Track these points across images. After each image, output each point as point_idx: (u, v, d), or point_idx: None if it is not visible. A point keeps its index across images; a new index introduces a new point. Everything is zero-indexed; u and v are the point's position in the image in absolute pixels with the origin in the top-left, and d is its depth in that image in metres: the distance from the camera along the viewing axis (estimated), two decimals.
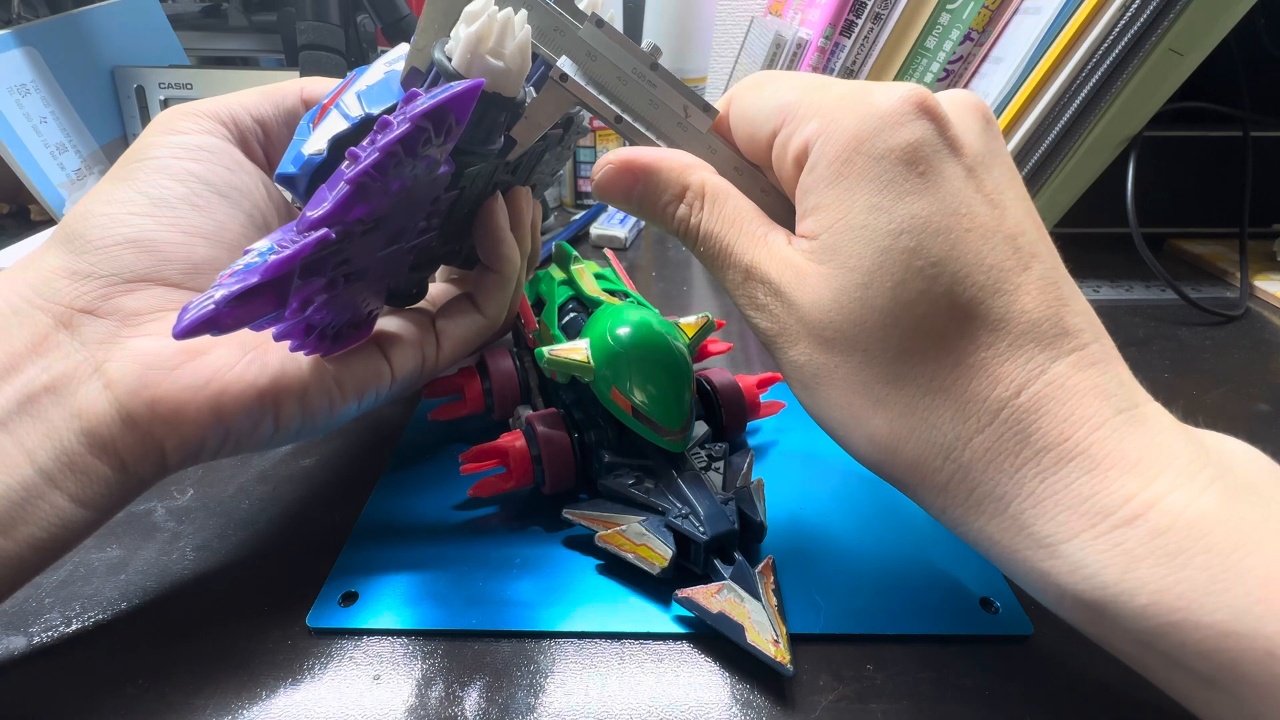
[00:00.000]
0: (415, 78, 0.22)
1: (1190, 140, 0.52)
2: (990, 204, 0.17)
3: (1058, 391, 0.16)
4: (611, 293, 0.31)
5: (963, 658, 0.22)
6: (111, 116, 0.59)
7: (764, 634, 0.20)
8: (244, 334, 0.21)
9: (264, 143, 0.26)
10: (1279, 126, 0.51)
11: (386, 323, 0.25)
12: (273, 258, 0.18)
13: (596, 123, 0.58)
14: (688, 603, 0.22)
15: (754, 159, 0.21)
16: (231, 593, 0.24)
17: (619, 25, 0.24)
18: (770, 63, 0.51)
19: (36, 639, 0.22)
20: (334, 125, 0.22)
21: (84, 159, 0.57)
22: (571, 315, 0.30)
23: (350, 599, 0.23)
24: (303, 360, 0.22)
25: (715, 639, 0.22)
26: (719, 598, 0.21)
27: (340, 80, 0.24)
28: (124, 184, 0.22)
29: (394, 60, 0.24)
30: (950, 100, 0.18)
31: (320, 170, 0.22)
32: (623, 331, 0.25)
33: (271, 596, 0.23)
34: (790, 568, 0.24)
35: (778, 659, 0.20)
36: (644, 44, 0.21)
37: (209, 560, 0.25)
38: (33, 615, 0.23)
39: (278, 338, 0.20)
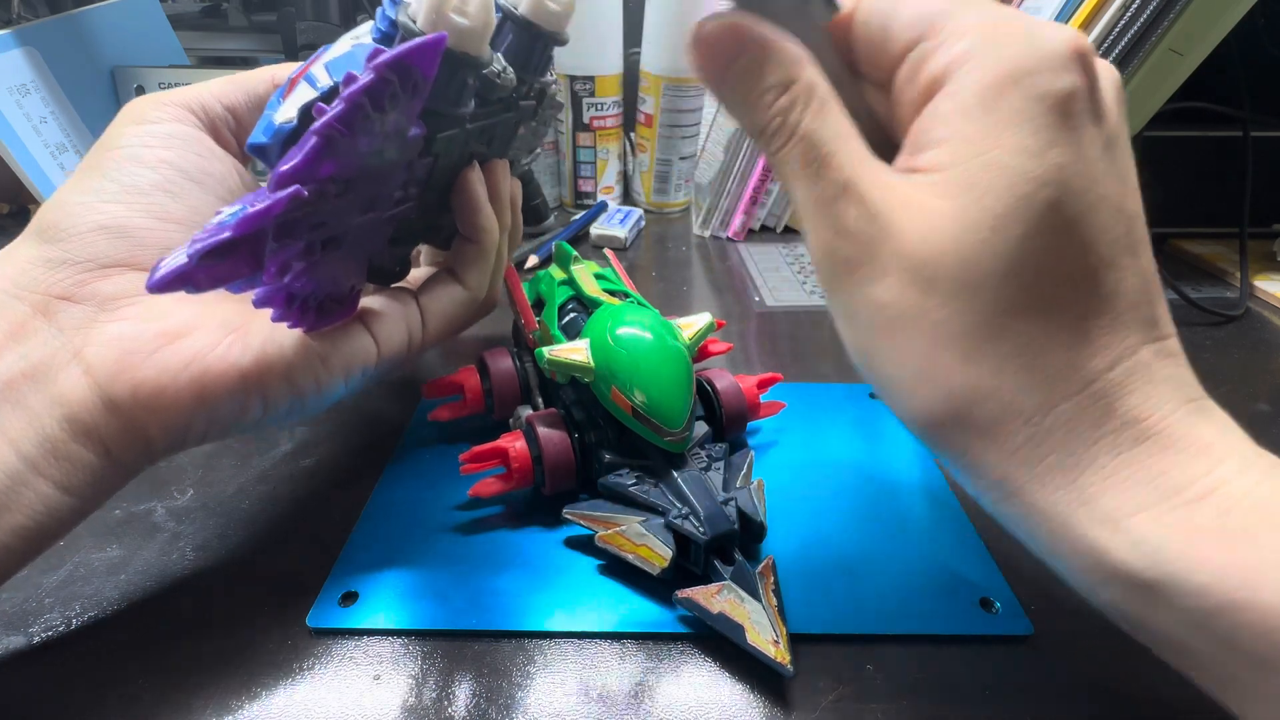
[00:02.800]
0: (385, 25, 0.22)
1: (1190, 140, 0.52)
2: (1120, 180, 0.17)
3: (1144, 372, 0.16)
4: (611, 293, 0.31)
5: (962, 658, 0.22)
6: (111, 116, 0.59)
7: (764, 634, 0.20)
8: (227, 316, 0.22)
9: (235, 130, 0.25)
10: (1278, 127, 0.51)
11: (370, 301, 0.25)
12: (243, 215, 0.18)
13: (596, 122, 0.58)
14: (688, 603, 0.22)
15: (870, 69, 0.19)
16: (231, 593, 0.24)
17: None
18: None
19: (36, 639, 0.22)
20: (303, 95, 0.22)
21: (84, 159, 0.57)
22: (571, 315, 0.30)
23: (350, 599, 0.23)
24: (286, 340, 0.22)
25: (715, 639, 0.22)
26: (719, 598, 0.21)
27: (308, 59, 0.24)
28: (96, 173, 0.22)
29: (360, 35, 0.24)
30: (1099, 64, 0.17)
31: (291, 138, 0.22)
32: (623, 332, 0.25)
33: (271, 596, 0.23)
34: (790, 568, 0.24)
35: (778, 659, 0.20)
36: None
37: (209, 560, 0.25)
38: (33, 615, 0.23)
39: (258, 304, 0.20)
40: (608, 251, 0.38)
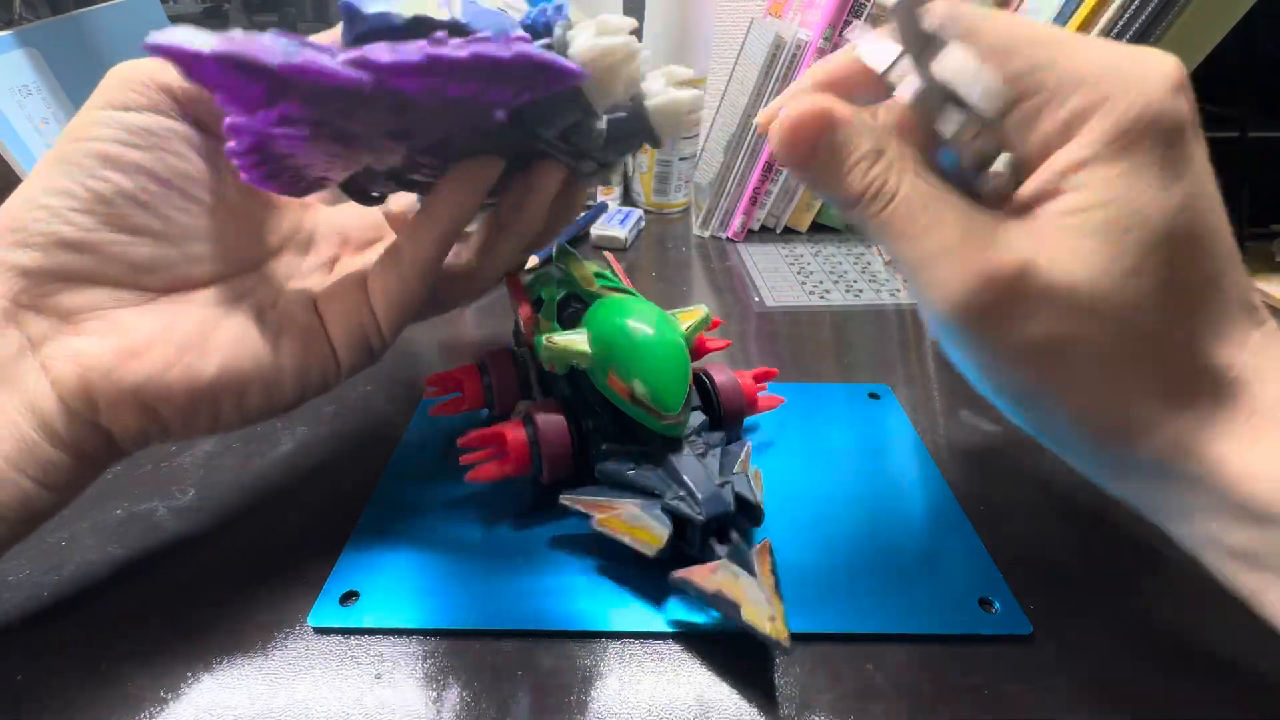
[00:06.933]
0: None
1: None
2: (1216, 187, 0.18)
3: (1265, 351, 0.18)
4: (610, 290, 0.31)
5: (962, 658, 0.22)
6: None
7: (760, 611, 0.20)
8: (185, 333, 0.21)
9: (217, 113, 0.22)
10: (1278, 127, 0.51)
11: (329, 309, 0.24)
12: (300, 57, 0.16)
13: None
14: (683, 583, 0.22)
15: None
16: (232, 593, 0.24)
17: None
18: (770, 64, 0.52)
19: (37, 639, 0.22)
20: (427, 4, 0.20)
21: None
22: (570, 311, 0.30)
23: (351, 598, 0.23)
24: (243, 361, 0.22)
25: (715, 639, 0.22)
26: (715, 576, 0.21)
27: None
28: (64, 170, 0.21)
29: (513, 2, 0.22)
30: None
31: (387, 32, 0.19)
32: (618, 317, 0.25)
33: (271, 596, 0.23)
34: (789, 567, 0.24)
35: (774, 635, 0.20)
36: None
37: (210, 560, 0.25)
38: (33, 614, 0.23)
39: (229, 130, 0.19)
40: (607, 254, 0.38)
